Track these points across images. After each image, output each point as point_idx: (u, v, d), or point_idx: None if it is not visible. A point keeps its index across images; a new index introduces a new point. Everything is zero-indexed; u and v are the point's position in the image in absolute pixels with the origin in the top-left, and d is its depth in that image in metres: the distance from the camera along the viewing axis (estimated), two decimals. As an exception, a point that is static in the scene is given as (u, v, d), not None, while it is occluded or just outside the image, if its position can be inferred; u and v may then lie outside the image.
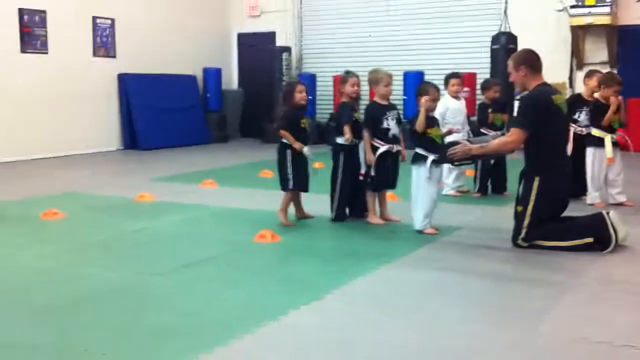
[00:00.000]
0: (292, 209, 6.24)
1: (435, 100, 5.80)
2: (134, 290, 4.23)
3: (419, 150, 5.66)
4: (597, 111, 6.76)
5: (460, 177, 7.68)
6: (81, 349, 3.28)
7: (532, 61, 5.24)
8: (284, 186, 6.10)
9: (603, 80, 6.80)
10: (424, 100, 5.64)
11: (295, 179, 6.04)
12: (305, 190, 6.20)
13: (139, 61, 13.37)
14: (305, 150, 6.02)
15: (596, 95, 7.06)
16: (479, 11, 13.50)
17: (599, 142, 6.71)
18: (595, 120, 6.79)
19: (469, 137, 7.38)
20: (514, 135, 5.17)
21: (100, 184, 8.70)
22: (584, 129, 7.06)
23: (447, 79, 7.58)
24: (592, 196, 6.77)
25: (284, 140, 6.03)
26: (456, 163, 5.68)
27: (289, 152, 6.02)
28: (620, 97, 6.71)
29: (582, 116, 7.15)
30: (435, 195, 5.66)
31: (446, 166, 6.96)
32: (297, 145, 5.95)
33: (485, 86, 7.73)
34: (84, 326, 3.60)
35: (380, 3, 14.36)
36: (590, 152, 6.78)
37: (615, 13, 11.99)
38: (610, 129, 6.71)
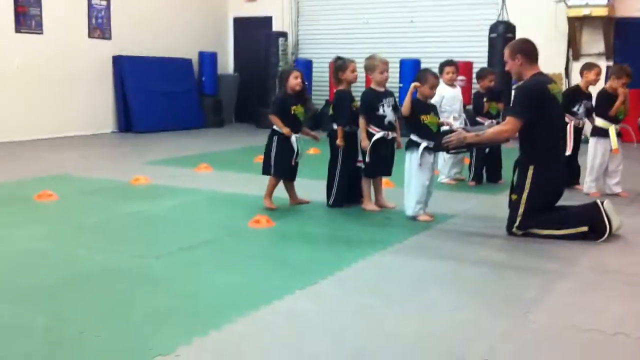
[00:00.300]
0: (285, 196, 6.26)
1: (434, 87, 5.79)
2: (129, 273, 4.23)
3: (413, 137, 5.67)
4: (605, 101, 6.75)
5: (458, 164, 7.68)
6: (75, 331, 3.28)
7: (528, 50, 5.23)
8: (264, 170, 6.11)
9: (614, 71, 6.79)
10: (412, 85, 5.67)
11: (276, 166, 6.02)
12: (287, 178, 6.17)
13: (134, 43, 13.30)
14: (293, 138, 6.00)
15: (592, 86, 7.10)
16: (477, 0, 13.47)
17: (603, 132, 6.71)
18: (601, 110, 6.78)
19: (465, 125, 7.39)
20: (509, 124, 5.18)
21: (95, 166, 8.67)
22: (580, 122, 7.10)
23: (442, 66, 7.54)
24: (589, 185, 6.79)
25: (275, 126, 6.03)
26: (452, 151, 5.69)
27: (276, 138, 6.02)
28: (626, 89, 6.73)
29: (581, 109, 7.15)
30: (428, 182, 5.66)
31: (442, 154, 6.97)
32: (285, 130, 5.93)
33: (481, 75, 7.72)
34: (78, 308, 3.60)
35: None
36: (593, 141, 6.79)
37: (613, 5, 11.98)
38: (615, 120, 6.72)
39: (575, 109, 7.09)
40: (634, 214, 5.92)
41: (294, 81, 6.03)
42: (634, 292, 3.94)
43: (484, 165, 7.54)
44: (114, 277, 4.15)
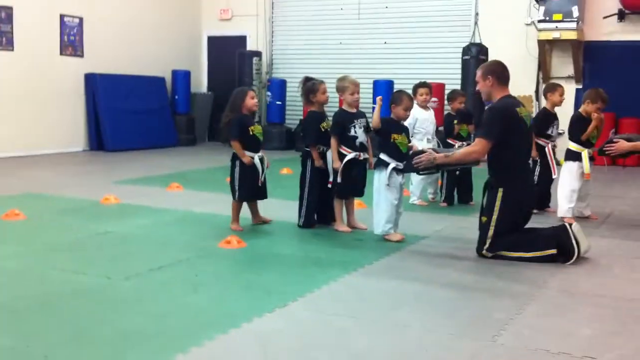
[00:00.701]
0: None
1: (408, 109, 5.81)
2: (97, 294, 4.17)
3: (382, 156, 5.69)
4: (578, 125, 6.70)
5: (432, 185, 7.70)
6: (41, 353, 3.21)
7: (500, 73, 5.30)
8: (232, 195, 6.09)
9: (589, 96, 6.70)
10: (378, 99, 5.73)
11: (241, 190, 6.00)
12: (255, 199, 6.16)
13: (107, 61, 13.23)
14: (256, 160, 5.98)
15: (558, 107, 7.18)
16: (451, 22, 13.65)
17: (578, 156, 6.64)
18: (574, 134, 6.74)
19: (438, 147, 7.44)
20: (478, 145, 5.22)
21: (65, 185, 8.57)
22: (554, 144, 7.14)
23: (415, 88, 7.53)
24: (566, 210, 6.63)
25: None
26: (421, 172, 5.71)
27: (238, 162, 5.99)
28: (602, 115, 6.71)
29: (555, 131, 7.21)
30: (397, 201, 5.67)
31: (414, 176, 7.01)
32: (246, 159, 5.91)
33: (451, 97, 7.77)
34: (45, 329, 3.54)
35: (352, 11, 14.44)
36: (570, 166, 6.67)
37: (582, 29, 12.22)
38: (587, 144, 6.69)
39: (549, 131, 7.14)
40: (602, 237, 6.00)
41: (251, 101, 6.00)
42: (601, 314, 3.97)
43: (455, 186, 7.58)
44: (82, 298, 4.08)
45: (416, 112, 7.37)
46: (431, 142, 7.38)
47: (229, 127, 5.98)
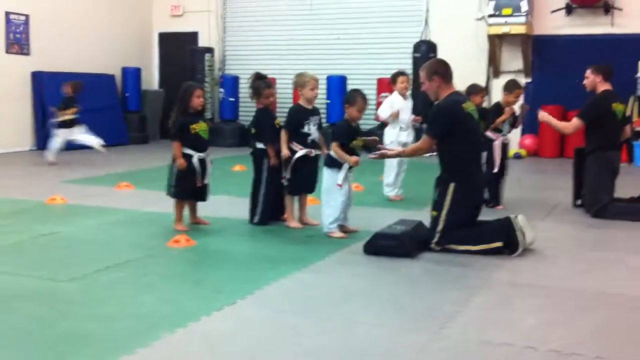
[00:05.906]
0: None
1: (361, 111, 5.69)
2: (41, 296, 4.08)
3: (334, 155, 5.66)
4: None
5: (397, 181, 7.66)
6: (-21, 360, 3.14)
7: (444, 71, 5.39)
8: (167, 191, 6.00)
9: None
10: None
11: (176, 188, 5.89)
12: (190, 199, 6.04)
13: (54, 59, 12.96)
14: (195, 160, 5.83)
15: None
16: (402, 17, 13.74)
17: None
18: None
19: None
20: (423, 142, 5.45)
21: (9, 186, 8.37)
22: (506, 138, 7.24)
23: (395, 77, 7.53)
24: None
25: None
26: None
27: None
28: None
29: (506, 125, 7.28)
30: (347, 200, 5.69)
31: (392, 169, 7.10)
32: (180, 162, 5.76)
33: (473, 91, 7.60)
34: (-16, 335, 3.45)
35: (304, 6, 14.42)
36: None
37: (531, 23, 12.43)
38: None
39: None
40: (548, 228, 6.11)
41: (197, 100, 5.86)
42: (544, 304, 4.05)
43: None
44: (25, 301, 3.99)
45: (396, 100, 7.39)
46: (405, 130, 7.42)
47: (172, 127, 5.89)
